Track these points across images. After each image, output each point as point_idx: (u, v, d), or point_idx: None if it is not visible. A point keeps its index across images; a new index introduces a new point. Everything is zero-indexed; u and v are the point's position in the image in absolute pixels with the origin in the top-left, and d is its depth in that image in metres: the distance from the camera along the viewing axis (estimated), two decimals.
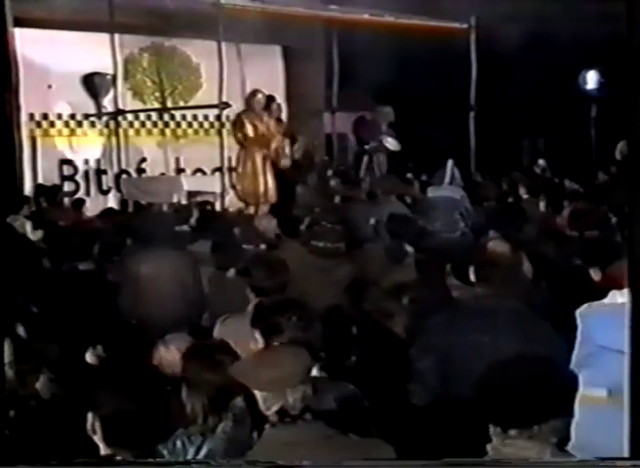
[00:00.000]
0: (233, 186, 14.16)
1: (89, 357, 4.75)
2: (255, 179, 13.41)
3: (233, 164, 14.57)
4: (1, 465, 3.36)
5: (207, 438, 3.94)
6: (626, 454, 3.01)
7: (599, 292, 5.47)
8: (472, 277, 4.98)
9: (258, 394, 3.26)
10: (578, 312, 3.83)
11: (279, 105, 14.77)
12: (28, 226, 9.45)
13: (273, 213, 11.22)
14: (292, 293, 5.42)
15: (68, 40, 15.00)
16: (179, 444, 3.90)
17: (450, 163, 11.43)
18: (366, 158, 16.16)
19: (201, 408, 4.05)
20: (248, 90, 15.16)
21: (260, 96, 13.71)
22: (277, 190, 13.45)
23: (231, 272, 6.98)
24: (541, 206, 10.93)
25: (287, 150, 14.28)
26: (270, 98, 14.28)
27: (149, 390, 3.57)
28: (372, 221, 10.01)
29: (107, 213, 12.32)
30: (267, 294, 5.28)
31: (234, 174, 14.09)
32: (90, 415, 3.46)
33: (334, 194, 13.50)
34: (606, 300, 3.68)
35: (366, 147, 16.18)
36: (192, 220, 10.09)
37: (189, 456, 3.88)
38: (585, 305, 3.82)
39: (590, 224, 7.64)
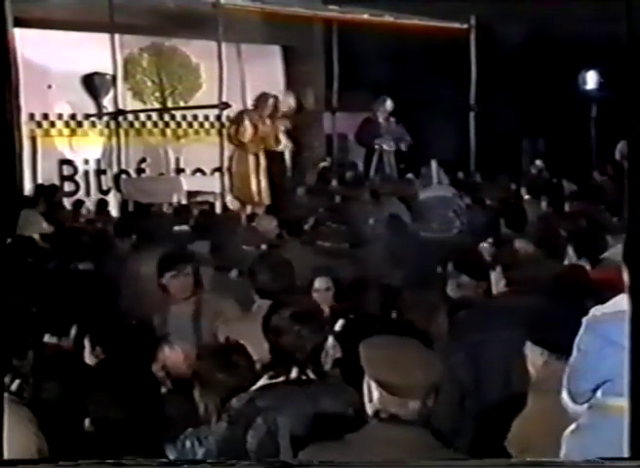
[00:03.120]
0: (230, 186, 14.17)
1: (88, 358, 4.73)
2: (249, 180, 13.40)
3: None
4: (1, 465, 3.36)
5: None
6: (626, 454, 3.01)
7: (594, 290, 5.52)
8: (497, 276, 5.00)
9: (378, 392, 3.06)
10: (585, 319, 3.79)
11: (282, 104, 14.75)
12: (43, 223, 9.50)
13: (270, 213, 11.21)
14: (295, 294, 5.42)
15: (68, 40, 15.00)
16: (188, 444, 3.89)
17: (434, 163, 11.49)
18: (375, 158, 16.17)
19: (215, 408, 4.05)
20: (248, 90, 15.18)
21: (271, 101, 13.66)
22: (274, 191, 13.43)
23: (233, 273, 6.97)
24: (543, 206, 10.93)
25: (287, 150, 14.30)
26: (275, 99, 14.30)
27: (149, 392, 3.56)
28: (371, 222, 10.02)
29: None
30: (272, 296, 5.28)
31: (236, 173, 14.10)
32: (87, 420, 3.45)
33: (335, 194, 13.50)
34: (610, 304, 3.63)
35: (376, 148, 16.20)
36: (192, 221, 10.11)
37: (199, 457, 3.86)
38: (595, 312, 3.76)
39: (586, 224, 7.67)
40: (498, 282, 5.13)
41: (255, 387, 3.93)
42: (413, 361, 3.05)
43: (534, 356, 4.02)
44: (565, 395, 3.77)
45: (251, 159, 13.44)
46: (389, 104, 16.07)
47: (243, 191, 13.42)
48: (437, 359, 3.18)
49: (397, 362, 3.05)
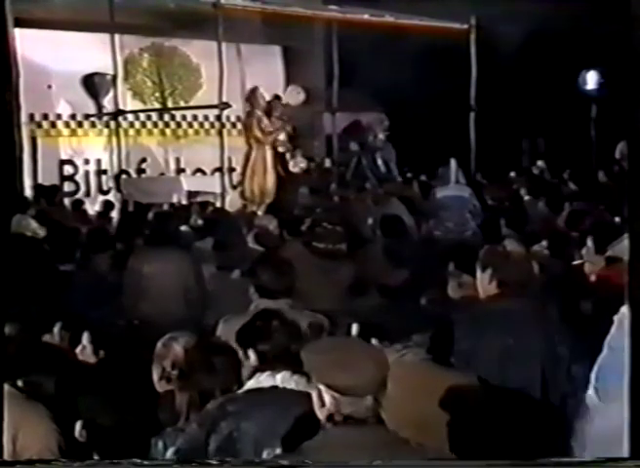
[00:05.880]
0: (234, 186, 14.19)
1: (89, 357, 4.71)
2: (260, 179, 13.43)
3: (233, 164, 14.59)
4: (1, 465, 3.36)
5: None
6: (626, 454, 3.02)
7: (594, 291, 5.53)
8: (489, 279, 4.99)
9: (329, 395, 3.03)
10: (616, 317, 3.82)
11: (283, 105, 14.77)
12: (34, 224, 9.55)
13: (271, 212, 11.23)
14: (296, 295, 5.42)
15: (68, 40, 15.01)
16: (160, 445, 3.81)
17: (453, 162, 11.38)
18: (354, 162, 16.19)
19: (186, 405, 4.00)
20: (248, 90, 15.16)
21: (259, 93, 13.76)
22: (278, 190, 13.47)
23: (236, 273, 6.96)
24: (541, 206, 10.92)
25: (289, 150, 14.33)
26: (275, 97, 14.31)
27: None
28: (370, 222, 10.02)
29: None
30: (273, 296, 5.28)
31: (237, 173, 14.16)
32: (78, 423, 3.44)
33: (334, 195, 13.51)
34: None
35: (352, 149, 16.22)
36: (192, 221, 10.12)
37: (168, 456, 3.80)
38: (624, 310, 3.79)
39: (589, 224, 7.66)
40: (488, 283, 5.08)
41: (240, 390, 3.83)
42: (358, 358, 3.04)
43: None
44: (592, 392, 3.81)
45: (257, 157, 13.49)
46: (385, 124, 16.13)
47: (254, 190, 13.47)
48: (382, 352, 3.18)
49: (343, 361, 3.03)
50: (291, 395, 3.71)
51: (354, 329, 4.41)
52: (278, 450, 3.51)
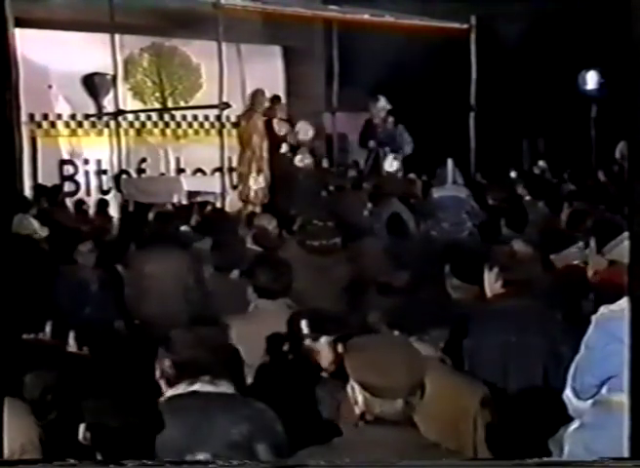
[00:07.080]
0: (234, 186, 14.18)
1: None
2: (259, 178, 13.43)
3: (233, 164, 14.58)
4: (1, 465, 3.36)
5: None
6: (626, 454, 3.02)
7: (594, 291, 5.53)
8: (495, 278, 4.99)
9: (362, 394, 3.06)
10: (594, 317, 3.83)
11: (283, 105, 14.76)
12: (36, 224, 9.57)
13: (269, 212, 11.21)
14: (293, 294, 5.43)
15: (68, 40, 15.01)
16: None
17: (450, 162, 11.37)
18: (371, 159, 16.12)
19: None
20: (248, 90, 15.16)
21: (263, 97, 13.73)
22: (277, 190, 13.46)
23: (235, 273, 6.96)
24: (541, 206, 10.91)
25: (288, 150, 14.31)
26: (275, 98, 14.30)
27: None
28: (365, 216, 10.03)
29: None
30: (271, 296, 5.29)
31: (236, 173, 14.14)
32: (81, 426, 3.44)
33: (331, 192, 13.51)
34: (618, 303, 3.64)
35: (370, 146, 16.11)
36: (192, 221, 10.13)
37: None
38: (603, 310, 3.80)
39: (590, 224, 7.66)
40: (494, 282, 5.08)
41: (162, 398, 3.75)
42: (394, 360, 3.04)
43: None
44: (569, 391, 3.81)
45: (253, 158, 13.48)
46: (383, 103, 15.92)
47: (250, 190, 13.46)
48: (420, 356, 3.18)
49: (378, 362, 3.04)
50: (212, 397, 3.67)
51: (303, 324, 4.43)
52: (200, 456, 3.47)
